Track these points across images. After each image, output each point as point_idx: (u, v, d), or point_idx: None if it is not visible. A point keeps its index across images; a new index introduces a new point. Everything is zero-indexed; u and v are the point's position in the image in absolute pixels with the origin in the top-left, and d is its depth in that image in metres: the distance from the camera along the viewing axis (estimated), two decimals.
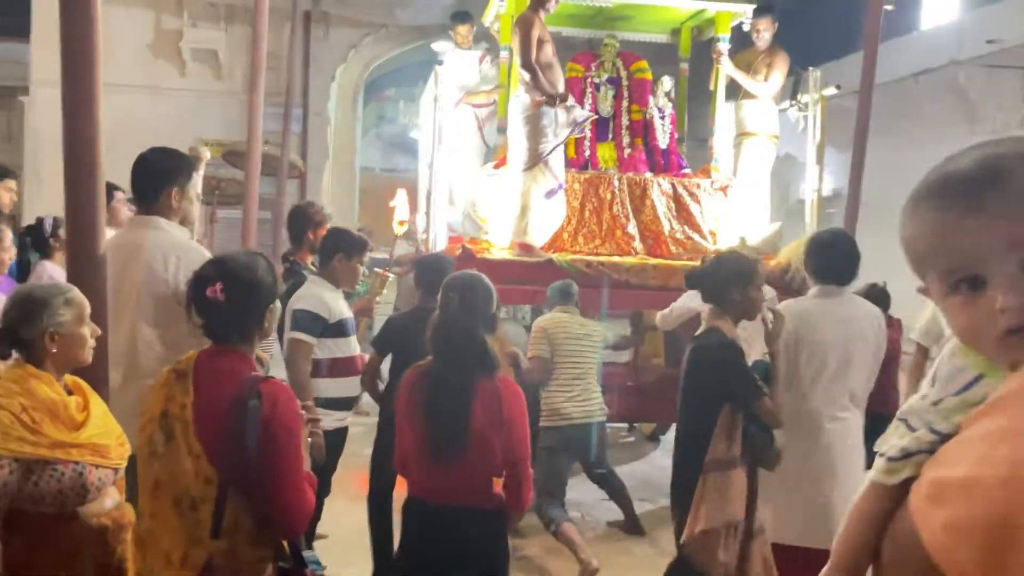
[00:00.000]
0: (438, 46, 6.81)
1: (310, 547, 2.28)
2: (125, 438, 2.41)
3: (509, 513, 2.83)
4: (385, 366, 4.24)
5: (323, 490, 3.59)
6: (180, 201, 3.03)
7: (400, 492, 3.19)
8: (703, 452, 3.00)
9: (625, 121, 6.84)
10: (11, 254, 3.95)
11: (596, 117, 6.58)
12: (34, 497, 2.20)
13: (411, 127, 16.04)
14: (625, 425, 7.84)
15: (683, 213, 6.45)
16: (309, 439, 2.22)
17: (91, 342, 2.39)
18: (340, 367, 3.94)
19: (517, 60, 5.87)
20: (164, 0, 11.79)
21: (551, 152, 5.81)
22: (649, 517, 5.49)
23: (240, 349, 2.16)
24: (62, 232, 4.10)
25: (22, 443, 2.17)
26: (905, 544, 0.89)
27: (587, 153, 6.69)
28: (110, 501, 2.36)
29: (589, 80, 6.88)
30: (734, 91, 6.84)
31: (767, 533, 3.19)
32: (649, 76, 6.95)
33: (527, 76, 5.77)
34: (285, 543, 2.16)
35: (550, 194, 5.83)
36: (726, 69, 6.69)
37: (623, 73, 6.91)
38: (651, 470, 6.77)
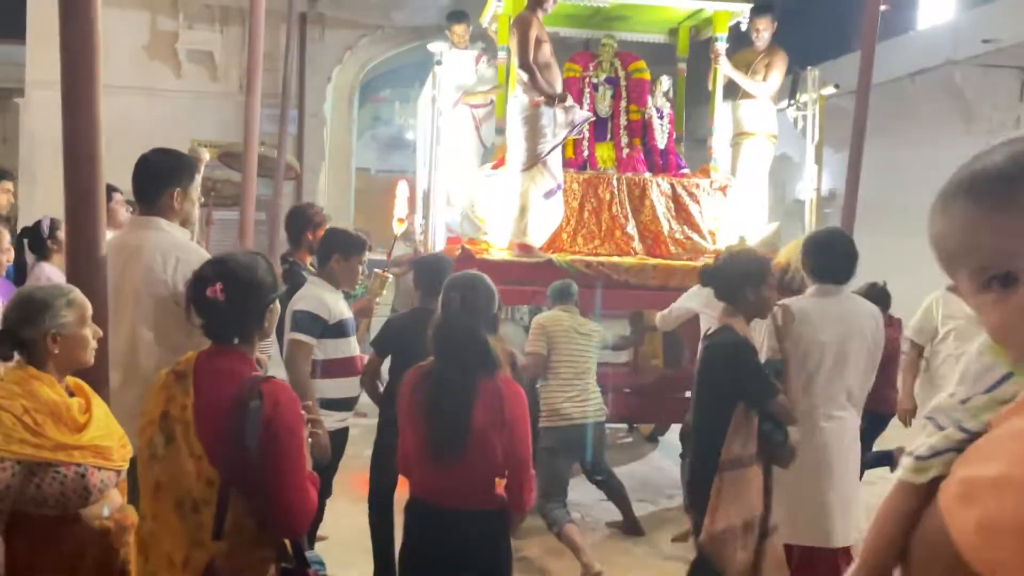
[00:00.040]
0: (434, 47, 6.79)
1: (312, 548, 2.28)
2: (127, 440, 2.40)
3: (511, 514, 2.82)
4: (385, 366, 4.24)
5: (324, 491, 3.57)
6: (182, 202, 3.02)
7: (401, 493, 3.19)
8: (718, 451, 3.01)
9: (623, 121, 6.83)
10: (9, 256, 3.94)
11: (595, 119, 6.58)
12: (36, 499, 2.19)
13: (407, 128, 16.05)
14: (624, 426, 7.83)
15: (682, 213, 6.45)
16: (310, 439, 2.21)
17: (93, 343, 2.38)
18: (340, 367, 3.93)
19: (515, 60, 5.86)
20: (160, 2, 11.78)
21: (550, 152, 5.81)
22: (648, 518, 5.49)
23: (240, 349, 2.16)
24: (59, 234, 4.09)
25: (24, 445, 2.16)
26: (934, 543, 0.88)
27: (585, 153, 6.68)
28: (112, 503, 2.35)
29: (587, 80, 6.87)
30: (732, 91, 6.85)
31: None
32: (647, 76, 6.94)
33: (525, 76, 5.76)
34: (288, 543, 2.15)
35: (549, 194, 5.83)
36: (724, 69, 6.69)
37: (621, 73, 6.90)
38: (650, 471, 6.77)
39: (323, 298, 3.89)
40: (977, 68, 9.59)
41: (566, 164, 6.25)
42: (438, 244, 6.41)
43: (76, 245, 2.76)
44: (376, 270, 6.18)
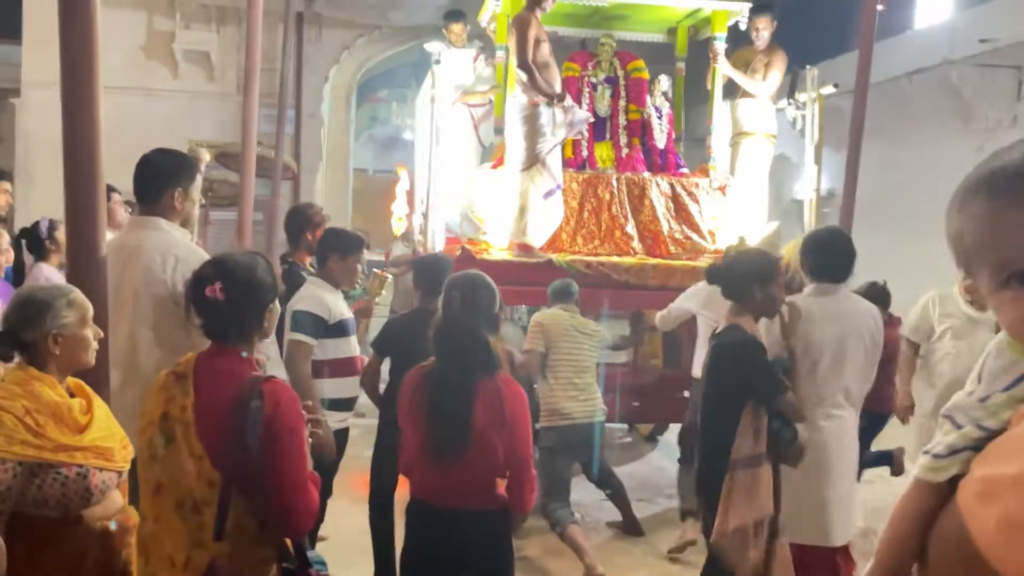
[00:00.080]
0: (431, 46, 6.77)
1: (313, 548, 2.27)
2: (128, 441, 2.39)
3: (513, 514, 2.82)
4: (385, 367, 4.23)
5: (325, 492, 3.56)
6: (183, 202, 3.02)
7: (401, 494, 3.18)
8: (728, 450, 3.00)
9: (622, 121, 6.83)
10: (8, 256, 3.92)
11: (594, 119, 6.57)
12: (38, 501, 2.17)
13: (404, 128, 16.06)
14: (624, 426, 7.83)
15: (682, 213, 6.45)
16: (311, 439, 2.21)
17: (94, 344, 2.37)
18: (340, 367, 3.93)
19: (513, 60, 5.85)
20: (156, 1, 11.75)
21: (549, 152, 5.81)
22: (648, 518, 5.49)
23: (240, 349, 2.15)
24: (58, 234, 4.09)
25: (26, 446, 2.14)
26: (953, 541, 0.87)
27: (585, 153, 6.68)
28: (114, 504, 2.34)
29: (586, 80, 6.86)
30: (731, 90, 6.85)
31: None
32: (646, 76, 6.94)
33: (524, 76, 5.75)
34: (289, 543, 2.14)
35: (548, 194, 5.82)
36: (723, 68, 6.69)
37: (620, 73, 6.90)
38: (650, 471, 6.77)
39: (323, 298, 3.89)
40: (974, 67, 9.59)
41: (565, 164, 6.25)
42: (437, 244, 6.40)
43: (76, 246, 2.74)
44: (375, 270, 6.18)
